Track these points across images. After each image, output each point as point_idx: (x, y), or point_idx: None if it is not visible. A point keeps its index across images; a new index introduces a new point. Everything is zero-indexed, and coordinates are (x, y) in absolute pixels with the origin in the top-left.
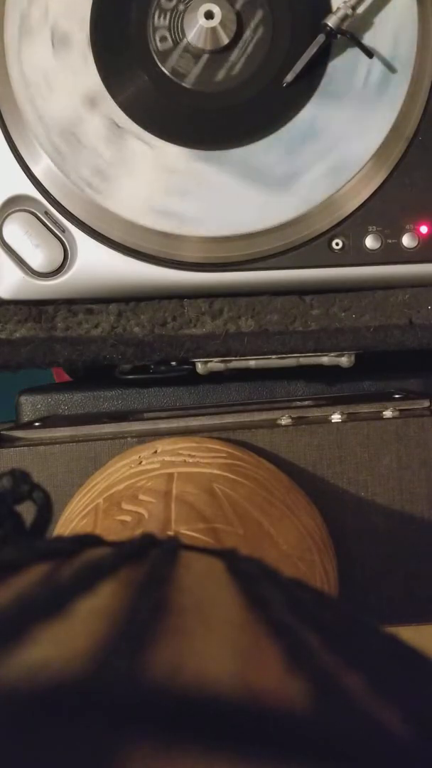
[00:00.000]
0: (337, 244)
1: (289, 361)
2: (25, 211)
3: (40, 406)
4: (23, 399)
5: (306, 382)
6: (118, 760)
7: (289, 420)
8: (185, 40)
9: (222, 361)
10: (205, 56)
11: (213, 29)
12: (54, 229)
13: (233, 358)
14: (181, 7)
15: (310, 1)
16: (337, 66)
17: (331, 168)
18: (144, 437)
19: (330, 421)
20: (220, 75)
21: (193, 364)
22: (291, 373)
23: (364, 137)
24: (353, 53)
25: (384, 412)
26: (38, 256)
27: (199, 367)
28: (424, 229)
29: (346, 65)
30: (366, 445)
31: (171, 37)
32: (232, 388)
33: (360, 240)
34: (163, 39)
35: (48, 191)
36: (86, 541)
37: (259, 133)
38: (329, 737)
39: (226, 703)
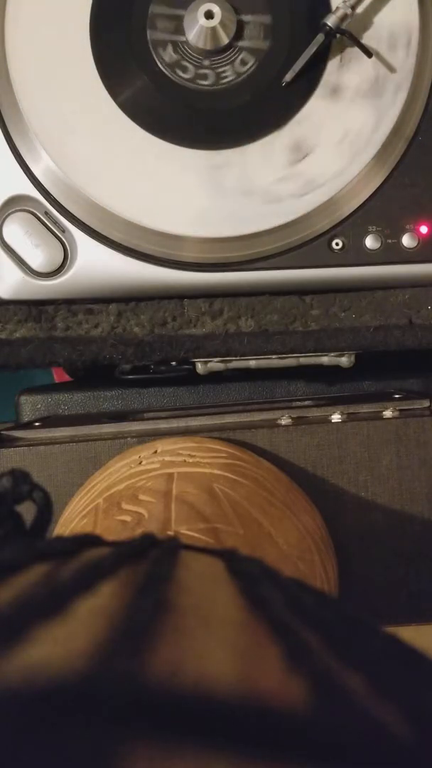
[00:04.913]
0: (337, 244)
1: (289, 361)
2: (25, 211)
3: (40, 406)
4: (23, 399)
5: (306, 382)
6: (118, 761)
7: (289, 420)
8: (185, 39)
9: (222, 361)
10: (205, 56)
11: (213, 29)
12: (54, 229)
13: (233, 358)
14: (181, 6)
15: (309, 0)
16: (336, 66)
17: (330, 168)
18: (144, 437)
19: (330, 421)
20: (220, 75)
21: (193, 364)
22: (291, 373)
23: (363, 137)
24: (353, 53)
25: (384, 412)
26: (38, 256)
27: (199, 367)
28: (424, 229)
29: (345, 65)
30: (366, 445)
31: (171, 37)
32: (232, 388)
33: (360, 240)
34: (163, 39)
35: (48, 191)
36: (86, 541)
37: (259, 133)
38: (329, 737)
39: (226, 703)
